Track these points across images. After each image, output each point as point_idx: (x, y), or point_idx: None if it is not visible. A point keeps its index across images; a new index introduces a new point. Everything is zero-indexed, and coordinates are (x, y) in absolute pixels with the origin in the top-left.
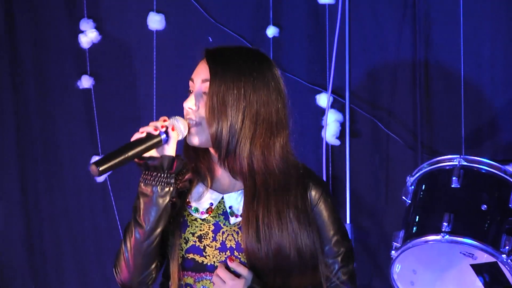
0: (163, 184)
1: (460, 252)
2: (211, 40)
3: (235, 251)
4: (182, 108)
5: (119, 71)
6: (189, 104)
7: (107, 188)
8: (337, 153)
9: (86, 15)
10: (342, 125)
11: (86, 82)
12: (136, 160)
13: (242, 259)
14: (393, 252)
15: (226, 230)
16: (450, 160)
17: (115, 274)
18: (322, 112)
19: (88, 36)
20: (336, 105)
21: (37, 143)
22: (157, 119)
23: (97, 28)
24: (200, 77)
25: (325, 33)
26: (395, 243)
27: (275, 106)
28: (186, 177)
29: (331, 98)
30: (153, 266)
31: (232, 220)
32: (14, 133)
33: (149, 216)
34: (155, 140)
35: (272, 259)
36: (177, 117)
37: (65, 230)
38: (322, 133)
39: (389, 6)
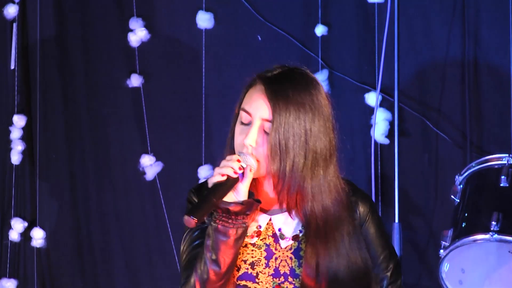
0: (240, 226)
1: (509, 251)
2: (260, 38)
3: (289, 277)
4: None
5: (168, 70)
6: (250, 141)
7: (156, 186)
8: (386, 152)
9: (136, 14)
10: (391, 124)
11: (135, 80)
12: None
13: (296, 285)
14: (441, 251)
15: (279, 256)
16: (498, 159)
17: None
18: (371, 111)
19: (138, 34)
20: (385, 104)
21: (86, 142)
22: (205, 118)
23: (146, 26)
24: (261, 114)
25: (374, 31)
26: (443, 242)
27: (329, 135)
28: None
29: (380, 97)
30: None
31: (283, 243)
32: (64, 132)
33: (227, 258)
34: (233, 182)
35: (326, 285)
36: (246, 153)
37: (114, 228)
38: (371, 132)
39: (439, 5)
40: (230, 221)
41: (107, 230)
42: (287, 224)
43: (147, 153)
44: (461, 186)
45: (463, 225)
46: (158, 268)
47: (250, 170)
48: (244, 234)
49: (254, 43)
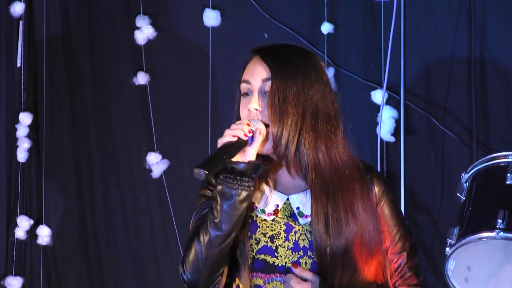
0: (245, 188)
1: None
2: (266, 36)
3: (308, 251)
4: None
5: (174, 68)
6: (254, 105)
7: (162, 183)
8: (392, 150)
9: (142, 12)
10: (397, 121)
11: (141, 78)
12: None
13: (315, 259)
14: (447, 248)
15: (299, 230)
16: (505, 156)
17: (182, 270)
18: (377, 108)
19: (144, 32)
20: (391, 101)
21: (92, 140)
22: (212, 116)
23: (152, 24)
24: (260, 76)
25: (380, 29)
26: (449, 240)
27: (330, 99)
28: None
29: (386, 95)
30: (222, 269)
31: (302, 220)
32: (70, 130)
33: (229, 220)
34: (243, 144)
35: (340, 254)
36: (256, 120)
37: (120, 225)
38: (377, 130)
39: (445, 3)
40: (234, 181)
41: (113, 228)
42: (305, 203)
43: (153, 150)
44: (467, 184)
45: (469, 223)
46: (164, 265)
47: (260, 133)
48: (248, 197)
49: (260, 40)
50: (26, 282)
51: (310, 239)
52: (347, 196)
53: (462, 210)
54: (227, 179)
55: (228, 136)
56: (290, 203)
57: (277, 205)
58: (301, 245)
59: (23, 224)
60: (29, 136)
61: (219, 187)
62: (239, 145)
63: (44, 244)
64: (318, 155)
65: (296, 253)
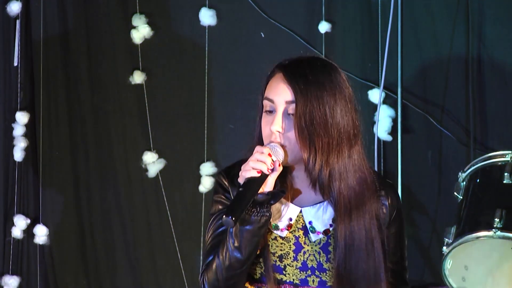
0: (264, 215)
1: None
2: (263, 35)
3: (316, 271)
4: (235, 104)
5: (171, 67)
6: (277, 127)
7: (159, 183)
8: (389, 149)
9: (139, 11)
10: (394, 120)
11: (138, 77)
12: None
13: (323, 278)
14: (444, 248)
15: (308, 250)
16: (502, 156)
17: (201, 283)
18: (374, 107)
19: (140, 31)
20: (388, 100)
21: (89, 139)
22: (208, 115)
23: (149, 23)
24: (283, 98)
25: (378, 28)
26: (446, 239)
27: (352, 115)
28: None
29: (383, 94)
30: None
31: (313, 237)
32: (67, 129)
33: (249, 245)
34: (265, 177)
35: (350, 274)
36: (274, 145)
37: (117, 225)
38: (374, 129)
39: (442, 2)
40: (253, 210)
41: (110, 227)
42: (318, 218)
43: (149, 150)
44: (465, 183)
45: (466, 222)
46: (160, 264)
47: (279, 165)
48: (267, 222)
49: (257, 40)
50: (23, 281)
51: (318, 260)
52: (362, 217)
53: (459, 209)
54: (248, 208)
55: (253, 171)
56: (302, 216)
57: (291, 219)
58: (309, 265)
59: (20, 223)
60: (25, 135)
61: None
62: (262, 179)
63: (41, 243)
64: (342, 175)
65: (304, 272)
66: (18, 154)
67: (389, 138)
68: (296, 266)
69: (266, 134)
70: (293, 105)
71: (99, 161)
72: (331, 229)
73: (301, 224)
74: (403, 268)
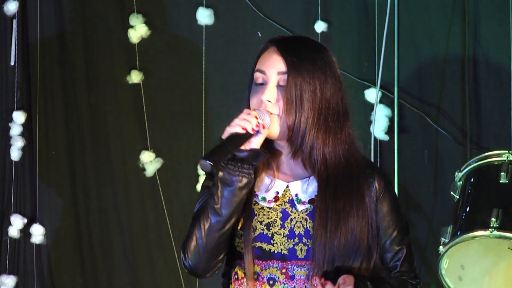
0: (246, 175)
1: (509, 248)
2: (260, 35)
3: (303, 238)
4: (232, 103)
5: (168, 66)
6: (268, 96)
7: (156, 182)
8: (386, 148)
9: (136, 10)
10: (391, 120)
11: (135, 76)
12: None
13: (310, 246)
14: (441, 247)
15: (295, 217)
16: (498, 155)
17: (183, 257)
18: (371, 107)
19: (138, 31)
20: (385, 100)
21: (86, 138)
22: (205, 114)
23: (146, 23)
24: (276, 69)
25: (374, 28)
26: (443, 239)
27: (340, 95)
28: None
29: (380, 93)
30: (223, 255)
31: (300, 207)
32: (64, 128)
33: (229, 206)
34: (249, 136)
35: (333, 248)
36: (262, 110)
37: (114, 224)
38: (371, 128)
39: (439, 2)
40: (235, 168)
41: (107, 226)
42: (304, 191)
43: (147, 149)
44: (461, 182)
45: (462, 222)
46: (157, 264)
47: (263, 128)
48: (248, 184)
49: (254, 39)
50: (20, 281)
51: (305, 226)
52: (347, 192)
53: (455, 208)
54: (228, 165)
55: (237, 127)
56: (289, 190)
57: (277, 192)
58: (297, 232)
59: (17, 222)
60: (22, 134)
61: (220, 174)
62: (246, 136)
63: (37, 242)
64: (325, 150)
65: (292, 240)
66: (15, 154)
67: (385, 137)
68: (283, 234)
69: (255, 103)
70: (285, 76)
71: (96, 161)
72: (315, 198)
73: (287, 197)
74: (405, 231)
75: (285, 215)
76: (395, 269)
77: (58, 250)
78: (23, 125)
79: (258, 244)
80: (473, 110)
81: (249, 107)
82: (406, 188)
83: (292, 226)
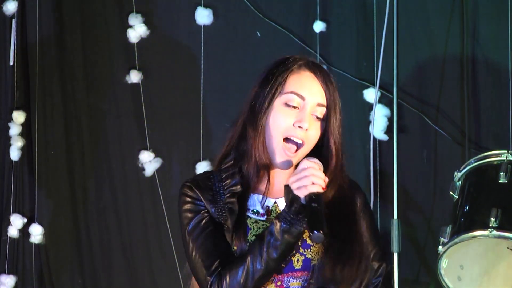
0: (303, 226)
1: (508, 247)
2: (259, 35)
3: (300, 248)
4: (230, 103)
5: (167, 66)
6: (307, 125)
7: (155, 182)
8: (385, 148)
9: (135, 10)
10: (390, 120)
11: (134, 76)
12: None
13: (307, 256)
14: (440, 247)
15: None
16: (497, 155)
17: (216, 284)
18: (369, 107)
19: (137, 30)
20: (384, 100)
21: (85, 138)
22: (204, 114)
23: (145, 22)
24: (316, 99)
25: (373, 28)
26: (442, 238)
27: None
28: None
29: (379, 93)
30: None
31: None
32: (63, 128)
33: (282, 258)
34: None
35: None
36: (315, 161)
37: (113, 224)
38: (370, 128)
39: (437, 1)
40: (302, 222)
41: (106, 226)
42: None
43: (146, 149)
44: (460, 182)
45: (461, 221)
46: (156, 263)
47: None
48: (300, 236)
49: (253, 39)
50: (19, 280)
51: (302, 236)
52: (344, 211)
53: (454, 208)
54: (302, 219)
55: (318, 187)
56: (277, 205)
57: (268, 207)
58: None
59: (16, 222)
60: (22, 134)
61: (290, 227)
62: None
63: (36, 242)
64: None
65: None
66: (15, 153)
67: (384, 137)
68: None
69: (286, 126)
70: (322, 109)
71: (95, 160)
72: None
73: (276, 212)
74: (381, 254)
75: None
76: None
77: (57, 250)
78: (23, 124)
79: None
80: (472, 110)
81: (254, 115)
82: (405, 188)
83: None
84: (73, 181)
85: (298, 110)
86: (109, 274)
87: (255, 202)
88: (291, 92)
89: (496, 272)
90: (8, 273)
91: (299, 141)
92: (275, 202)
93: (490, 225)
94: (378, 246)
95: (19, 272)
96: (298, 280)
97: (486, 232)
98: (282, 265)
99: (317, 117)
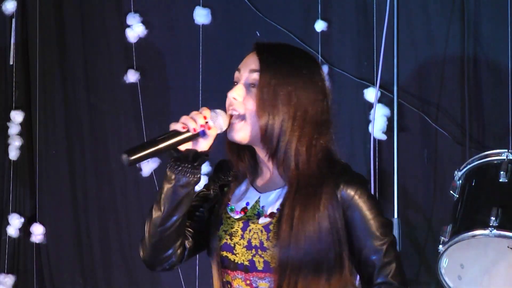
0: (186, 174)
1: (508, 247)
2: (258, 34)
3: (259, 250)
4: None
5: (165, 66)
6: (234, 94)
7: (153, 182)
8: (385, 148)
9: (133, 10)
10: (390, 119)
11: (132, 76)
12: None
13: (265, 258)
14: (440, 246)
15: (253, 228)
16: (498, 154)
17: (139, 249)
18: (370, 106)
19: (135, 30)
20: (384, 99)
21: (85, 137)
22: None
23: (143, 22)
24: (249, 67)
25: (373, 27)
26: (442, 238)
27: (321, 106)
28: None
29: (379, 93)
30: (171, 251)
31: (261, 220)
32: (63, 128)
33: (167, 202)
34: (191, 136)
35: (300, 258)
36: (218, 111)
37: (112, 224)
38: (370, 128)
39: (438, 1)
40: (175, 166)
41: (106, 226)
42: (271, 203)
43: None
44: (460, 181)
45: (462, 221)
46: None
47: (209, 129)
48: (188, 184)
49: (252, 39)
50: (19, 280)
51: (260, 238)
52: (317, 204)
53: (455, 208)
54: (172, 163)
55: (179, 125)
56: (259, 202)
57: (248, 203)
58: (253, 244)
59: (15, 222)
60: (21, 134)
61: (166, 169)
62: (189, 136)
63: (37, 242)
64: (298, 158)
65: (250, 251)
66: (13, 153)
67: (384, 137)
68: (243, 244)
69: (227, 103)
70: (255, 75)
71: (94, 160)
72: (276, 212)
73: (256, 210)
74: (383, 236)
75: (245, 225)
76: (378, 275)
77: (57, 249)
78: (23, 124)
79: (225, 253)
80: (473, 110)
81: None
82: (406, 188)
83: (250, 237)
84: (74, 181)
85: (237, 84)
86: (109, 273)
87: (238, 193)
88: (236, 70)
89: (497, 271)
90: (8, 273)
91: (234, 112)
92: (259, 198)
93: (491, 224)
94: (373, 238)
95: (20, 272)
96: (264, 281)
97: (486, 231)
98: (247, 263)
99: (253, 85)
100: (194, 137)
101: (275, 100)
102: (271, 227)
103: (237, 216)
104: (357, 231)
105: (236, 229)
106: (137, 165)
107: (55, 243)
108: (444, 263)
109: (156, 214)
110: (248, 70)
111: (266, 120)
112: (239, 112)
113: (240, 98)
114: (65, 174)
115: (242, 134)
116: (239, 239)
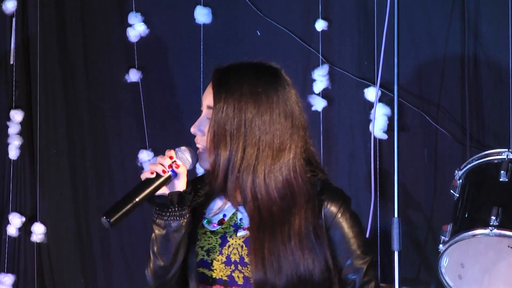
0: (176, 218)
1: (508, 246)
2: (259, 34)
3: (238, 265)
4: None
5: (166, 65)
6: (194, 130)
7: None
8: (386, 147)
9: (134, 9)
10: (391, 119)
11: (133, 75)
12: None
13: (245, 274)
14: (441, 246)
15: (232, 244)
16: (498, 153)
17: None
18: (370, 105)
19: (136, 29)
20: (384, 99)
21: (86, 137)
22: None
23: (145, 21)
24: (206, 102)
25: (374, 27)
26: (443, 237)
27: (279, 130)
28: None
29: (380, 92)
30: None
31: (239, 232)
32: (64, 127)
33: (167, 253)
34: (164, 179)
35: (282, 284)
36: (183, 148)
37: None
38: (370, 127)
39: (438, 0)
40: (162, 213)
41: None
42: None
43: (145, 148)
44: (461, 181)
45: (462, 220)
46: None
47: (177, 167)
48: (181, 227)
49: (253, 38)
50: (19, 280)
51: (240, 253)
52: (285, 232)
53: (455, 207)
54: (157, 211)
55: (147, 173)
56: (237, 214)
57: (225, 216)
58: (233, 260)
59: (15, 221)
60: (22, 133)
61: (153, 217)
62: (161, 180)
63: (38, 241)
64: (255, 189)
65: (229, 267)
66: (13, 153)
67: (384, 136)
68: (221, 260)
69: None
70: (211, 111)
71: (95, 159)
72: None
73: (233, 221)
74: (365, 255)
75: (223, 241)
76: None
77: (58, 249)
78: (24, 124)
79: (201, 269)
80: (473, 109)
81: None
82: (406, 187)
83: (229, 253)
84: (75, 180)
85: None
86: (109, 272)
87: (214, 207)
88: None
89: (497, 270)
90: (7, 272)
91: (198, 145)
92: (236, 210)
93: (491, 223)
94: (355, 256)
95: (20, 271)
96: None
97: (486, 231)
98: (226, 278)
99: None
100: (167, 181)
101: (223, 136)
102: (251, 247)
103: (214, 229)
104: (338, 249)
105: (214, 245)
106: (138, 164)
107: (56, 242)
108: (444, 262)
109: (157, 264)
110: (206, 106)
111: (213, 157)
112: (202, 145)
113: (199, 133)
114: (65, 174)
115: (207, 164)
116: (217, 255)
